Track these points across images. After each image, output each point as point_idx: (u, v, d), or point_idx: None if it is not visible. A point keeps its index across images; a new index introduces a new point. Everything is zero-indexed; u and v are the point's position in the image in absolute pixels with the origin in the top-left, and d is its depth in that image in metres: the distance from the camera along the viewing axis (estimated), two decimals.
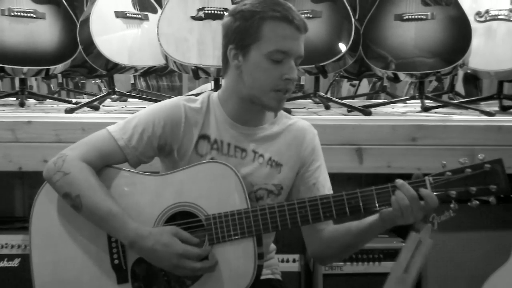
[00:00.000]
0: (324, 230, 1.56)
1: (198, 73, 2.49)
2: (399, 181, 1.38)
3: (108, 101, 3.15)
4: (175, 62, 2.50)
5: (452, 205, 1.37)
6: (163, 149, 1.54)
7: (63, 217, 1.51)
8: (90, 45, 2.60)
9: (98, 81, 4.12)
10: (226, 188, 1.45)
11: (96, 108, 2.63)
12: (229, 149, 1.54)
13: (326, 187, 1.58)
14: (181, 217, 1.47)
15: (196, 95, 1.66)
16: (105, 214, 1.43)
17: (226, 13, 1.55)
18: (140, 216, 1.45)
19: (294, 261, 2.36)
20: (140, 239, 1.40)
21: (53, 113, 2.54)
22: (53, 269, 1.50)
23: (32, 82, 4.03)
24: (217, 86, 2.54)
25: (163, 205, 1.47)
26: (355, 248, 1.59)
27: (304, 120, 1.65)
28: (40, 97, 3.15)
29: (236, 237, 1.42)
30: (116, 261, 1.47)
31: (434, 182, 1.36)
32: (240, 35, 1.46)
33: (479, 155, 1.37)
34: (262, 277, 1.60)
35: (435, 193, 1.35)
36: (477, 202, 1.35)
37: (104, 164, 1.51)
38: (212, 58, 2.45)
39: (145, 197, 1.49)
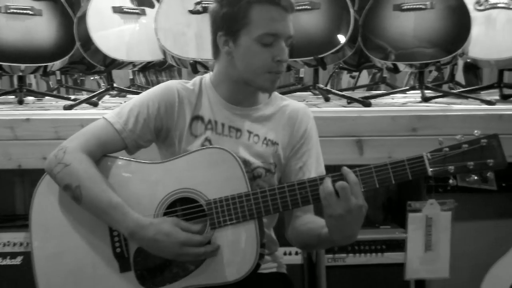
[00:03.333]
0: (300, 217, 1.57)
1: (196, 67, 2.48)
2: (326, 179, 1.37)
3: (107, 97, 3.14)
4: (173, 56, 2.49)
5: (450, 181, 1.38)
6: (159, 132, 1.56)
7: (63, 209, 1.51)
8: (87, 41, 2.59)
9: (97, 77, 4.11)
10: (225, 172, 1.45)
11: (95, 105, 2.63)
12: (223, 129, 1.56)
13: (313, 172, 1.57)
14: (182, 203, 1.47)
15: None
16: (105, 205, 1.43)
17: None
18: (141, 204, 1.46)
19: (296, 253, 2.36)
20: (140, 229, 1.41)
21: (52, 110, 2.53)
22: (55, 260, 1.50)
23: (31, 79, 4.03)
24: None
25: (164, 192, 1.47)
26: (316, 247, 1.69)
27: (299, 102, 1.66)
28: (39, 94, 3.15)
29: (238, 220, 1.42)
30: (118, 250, 1.48)
31: (432, 158, 1.37)
32: (229, 21, 1.48)
33: (475, 131, 1.38)
34: (267, 271, 1.62)
35: (431, 169, 1.36)
36: (475, 177, 1.37)
37: (104, 152, 1.52)
38: (210, 51, 2.43)
39: (145, 185, 1.49)
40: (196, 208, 1.46)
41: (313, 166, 1.58)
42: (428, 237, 1.44)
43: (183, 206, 1.47)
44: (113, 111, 1.56)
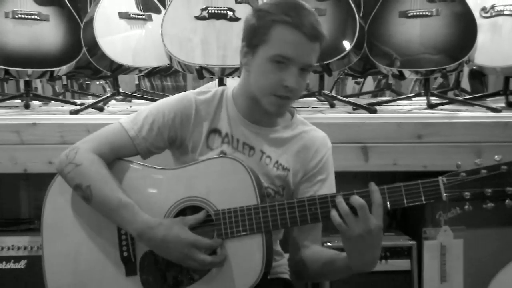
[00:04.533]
0: (308, 247, 1.54)
1: (202, 73, 2.48)
2: (338, 199, 1.34)
3: (112, 102, 3.15)
4: (179, 62, 2.50)
5: (466, 207, 1.33)
6: (173, 141, 1.56)
7: (74, 210, 1.52)
8: (94, 47, 2.60)
9: (102, 82, 4.13)
10: (236, 183, 1.44)
11: (101, 109, 2.64)
12: (238, 144, 1.54)
13: None
14: (191, 212, 1.47)
15: None
16: (115, 205, 1.43)
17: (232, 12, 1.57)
18: (150, 209, 1.46)
19: None
20: (149, 229, 1.41)
21: (58, 114, 2.54)
22: (64, 260, 1.51)
23: (37, 84, 4.04)
24: (221, 86, 2.53)
25: (173, 199, 1.47)
26: (329, 277, 1.65)
27: (320, 131, 1.62)
28: (45, 99, 3.16)
29: (245, 233, 1.41)
30: (125, 254, 1.48)
31: (447, 183, 1.33)
32: (252, 34, 1.46)
33: (495, 156, 1.33)
34: (272, 276, 1.60)
35: (446, 194, 1.32)
36: (492, 205, 1.32)
37: (116, 156, 1.53)
38: (216, 57, 2.45)
39: (156, 190, 1.50)
40: (205, 217, 1.45)
41: None
42: (443, 267, 1.41)
43: (191, 215, 1.46)
44: (129, 117, 1.55)
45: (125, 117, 1.56)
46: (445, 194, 1.32)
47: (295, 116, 1.61)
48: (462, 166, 1.34)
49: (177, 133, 1.54)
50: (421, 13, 2.57)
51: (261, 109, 1.50)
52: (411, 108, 2.81)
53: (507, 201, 1.31)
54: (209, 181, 1.46)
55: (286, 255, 1.70)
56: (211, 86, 3.12)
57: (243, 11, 2.46)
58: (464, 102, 2.80)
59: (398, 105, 3.00)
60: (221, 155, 1.51)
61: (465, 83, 3.64)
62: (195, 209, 1.46)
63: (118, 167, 1.52)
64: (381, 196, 1.33)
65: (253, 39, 1.46)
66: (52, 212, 1.53)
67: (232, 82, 2.63)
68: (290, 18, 1.41)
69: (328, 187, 1.57)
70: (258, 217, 1.41)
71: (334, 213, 1.34)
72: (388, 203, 1.34)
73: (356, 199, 1.31)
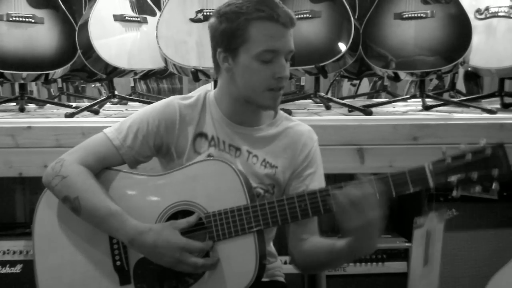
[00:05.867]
0: (307, 240, 1.54)
1: (197, 75, 2.48)
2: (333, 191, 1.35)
3: (108, 104, 3.14)
4: (174, 64, 2.50)
5: (454, 194, 1.32)
6: (160, 148, 1.55)
7: (65, 222, 1.51)
8: (89, 49, 2.59)
9: (98, 85, 4.12)
10: (225, 185, 1.44)
11: (96, 112, 2.63)
12: (224, 146, 1.54)
13: None
14: (182, 216, 1.46)
15: None
16: (104, 214, 1.43)
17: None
18: (141, 217, 1.45)
19: None
20: (140, 235, 1.40)
21: (53, 117, 2.53)
22: (57, 273, 1.50)
23: (32, 87, 4.03)
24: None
25: (163, 205, 1.47)
26: (328, 267, 1.63)
27: (305, 124, 1.62)
28: (40, 102, 3.15)
29: (237, 233, 1.41)
30: (118, 263, 1.47)
31: (433, 170, 1.32)
32: (227, 38, 1.45)
33: (481, 140, 1.32)
34: (266, 279, 1.60)
35: (432, 180, 1.32)
36: (478, 190, 1.30)
37: (102, 167, 1.52)
38: (211, 60, 2.44)
39: (145, 197, 1.49)
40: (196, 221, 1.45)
41: None
42: (426, 251, 1.43)
43: (182, 219, 1.45)
44: (114, 126, 1.55)
45: (110, 127, 1.55)
46: (431, 181, 1.32)
47: (278, 112, 1.61)
48: (447, 153, 1.34)
49: (162, 140, 1.53)
50: (416, 15, 2.57)
51: (248, 109, 1.51)
52: (407, 110, 2.82)
53: (494, 185, 1.30)
54: (198, 185, 1.46)
55: (282, 257, 1.70)
56: (206, 88, 3.12)
57: None
58: (460, 104, 2.80)
59: (393, 107, 3.00)
60: (207, 158, 1.51)
61: (460, 85, 3.65)
62: (186, 213, 1.46)
63: (105, 177, 1.51)
64: (370, 186, 1.33)
65: (231, 43, 1.44)
66: (43, 224, 1.53)
67: None
68: (264, 12, 1.41)
69: (318, 179, 1.57)
70: (248, 217, 1.41)
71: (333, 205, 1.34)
72: (376, 193, 1.32)
73: (349, 191, 1.31)
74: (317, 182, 1.56)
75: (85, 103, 3.21)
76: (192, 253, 1.39)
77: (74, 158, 1.49)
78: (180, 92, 4.82)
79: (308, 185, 1.55)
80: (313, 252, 1.52)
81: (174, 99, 1.56)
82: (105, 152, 1.51)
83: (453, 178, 1.31)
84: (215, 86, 2.54)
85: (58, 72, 2.68)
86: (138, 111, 1.57)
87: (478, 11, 2.65)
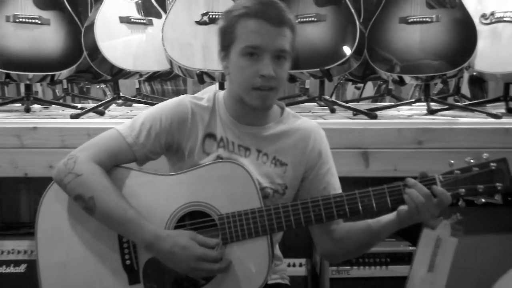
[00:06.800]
0: (336, 230, 1.55)
1: (203, 77, 2.49)
2: (410, 180, 1.40)
3: (113, 106, 3.15)
4: (179, 67, 2.50)
5: (460, 203, 1.41)
6: (170, 146, 1.54)
7: (71, 218, 1.50)
8: (94, 51, 2.60)
9: (103, 86, 4.13)
10: (238, 187, 1.44)
11: (101, 113, 2.64)
12: (233, 147, 1.54)
13: (336, 189, 1.58)
14: (194, 217, 1.46)
15: None
16: (120, 217, 1.42)
17: None
18: (152, 216, 1.45)
19: (300, 265, 2.35)
20: (158, 240, 1.40)
21: (58, 118, 2.54)
22: (61, 271, 1.48)
23: (38, 87, 4.05)
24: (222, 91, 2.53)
25: (175, 205, 1.47)
26: (370, 246, 1.58)
27: (311, 120, 1.63)
28: (46, 103, 3.16)
29: (250, 236, 1.42)
30: (128, 262, 1.47)
31: (444, 180, 1.40)
32: (222, 36, 1.48)
33: (483, 154, 1.41)
34: (271, 282, 1.61)
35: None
36: (483, 200, 1.40)
37: (114, 164, 1.50)
38: (217, 62, 2.40)
39: (157, 197, 1.48)
40: (208, 222, 1.45)
41: (337, 185, 1.58)
42: (433, 257, 1.44)
43: (194, 220, 1.46)
44: (126, 123, 1.54)
45: (121, 124, 1.54)
46: None
47: (285, 110, 1.61)
48: (455, 165, 1.42)
49: (174, 138, 1.53)
50: (421, 19, 2.57)
51: (249, 109, 1.50)
52: (411, 114, 2.81)
53: (496, 196, 1.40)
54: (211, 186, 1.46)
55: (286, 260, 1.70)
56: (210, 89, 3.13)
57: None
58: (464, 108, 2.80)
59: (398, 111, 3.00)
60: (222, 159, 1.51)
61: (465, 89, 3.65)
62: (197, 214, 1.46)
63: (117, 174, 1.50)
64: (381, 196, 1.43)
65: (224, 41, 1.47)
66: (47, 221, 1.50)
67: None
68: (250, 9, 1.43)
69: (333, 173, 1.59)
70: (262, 220, 1.42)
71: (407, 197, 1.39)
72: (389, 202, 1.42)
73: (437, 188, 1.39)
74: (335, 176, 1.59)
75: (90, 104, 3.22)
76: (208, 262, 1.39)
77: (87, 155, 1.47)
78: (184, 93, 4.81)
79: (328, 181, 1.57)
80: (351, 235, 1.54)
81: (186, 98, 1.56)
82: (118, 149, 1.49)
83: (462, 189, 1.39)
84: (219, 89, 2.57)
85: (64, 73, 2.69)
86: (149, 109, 1.56)
87: (484, 16, 2.65)
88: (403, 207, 1.42)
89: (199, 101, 1.56)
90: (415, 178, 1.42)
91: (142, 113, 1.55)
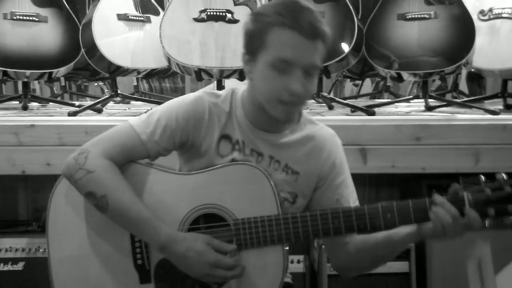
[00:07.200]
0: (350, 243, 1.50)
1: (200, 74, 2.48)
2: (438, 198, 1.34)
3: (111, 103, 3.15)
4: (177, 64, 2.50)
5: (487, 223, 1.33)
6: (184, 144, 1.48)
7: (83, 211, 1.46)
8: (92, 48, 2.60)
9: (101, 83, 4.12)
10: (257, 192, 1.41)
11: (99, 111, 2.63)
12: (248, 151, 1.49)
13: (351, 202, 1.52)
14: (208, 219, 1.43)
15: None
16: (135, 217, 1.38)
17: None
18: (165, 215, 1.42)
19: (298, 261, 2.35)
20: (173, 243, 1.37)
21: (56, 116, 2.53)
22: (72, 264, 1.46)
23: (35, 85, 4.03)
24: (219, 88, 2.53)
25: (190, 206, 1.43)
26: (385, 260, 1.53)
27: (328, 128, 1.57)
28: (43, 100, 3.15)
29: (266, 244, 1.38)
30: (139, 261, 1.44)
31: (473, 200, 1.33)
32: (250, 40, 1.41)
33: (499, 175, 1.34)
34: None
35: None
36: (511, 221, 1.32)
37: (126, 160, 1.45)
38: (214, 59, 2.45)
39: (171, 196, 1.44)
40: (223, 226, 1.42)
41: (351, 198, 1.52)
42: (485, 283, 1.41)
43: (209, 224, 1.43)
44: (140, 118, 1.47)
45: (135, 118, 1.48)
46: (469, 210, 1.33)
47: (302, 116, 1.55)
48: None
49: (189, 136, 1.47)
50: (419, 16, 2.57)
51: (268, 116, 1.44)
52: (409, 110, 2.82)
53: None
54: (228, 188, 1.42)
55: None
56: (209, 88, 3.12)
57: (242, 13, 2.47)
58: (462, 105, 2.80)
59: (396, 107, 3.00)
60: (241, 162, 1.46)
61: (463, 86, 3.65)
62: (212, 216, 1.43)
63: (131, 170, 1.45)
64: (405, 211, 1.36)
65: (251, 45, 1.40)
66: (59, 213, 1.46)
67: (231, 84, 2.64)
68: (285, 18, 1.34)
69: (350, 185, 1.54)
70: (279, 228, 1.38)
71: (433, 216, 1.33)
72: (412, 219, 1.36)
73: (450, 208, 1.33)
74: (350, 188, 1.53)
75: (88, 102, 3.21)
76: (222, 269, 1.37)
77: (99, 150, 1.41)
78: (182, 91, 4.81)
79: (341, 193, 1.51)
80: (366, 249, 1.48)
81: (204, 96, 1.49)
82: (132, 145, 1.44)
83: (491, 210, 1.32)
84: (217, 86, 2.57)
85: (62, 71, 2.68)
86: (166, 104, 1.50)
87: (482, 12, 2.66)
88: (427, 224, 1.35)
89: (217, 99, 1.49)
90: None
91: (158, 108, 1.49)
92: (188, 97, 1.50)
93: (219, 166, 1.45)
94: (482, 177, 1.34)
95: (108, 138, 1.46)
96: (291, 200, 1.50)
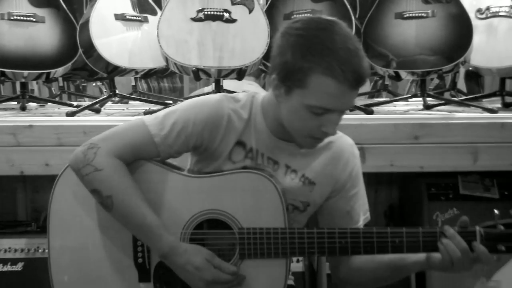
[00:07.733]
0: (354, 258, 1.49)
1: (198, 74, 2.48)
2: (449, 230, 1.34)
3: (109, 103, 3.14)
4: (175, 63, 2.50)
5: (496, 256, 1.34)
6: (198, 148, 1.46)
7: (86, 203, 1.45)
8: (90, 48, 2.59)
9: (99, 83, 4.12)
10: (264, 202, 1.39)
11: (97, 111, 2.63)
12: (262, 159, 1.47)
13: (361, 214, 1.52)
14: (213, 225, 1.42)
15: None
16: (139, 222, 1.38)
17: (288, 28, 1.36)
18: (170, 216, 1.41)
19: (298, 261, 2.35)
20: (173, 254, 1.37)
21: (54, 116, 2.53)
22: (72, 255, 1.46)
23: (33, 85, 4.02)
24: (218, 88, 2.53)
25: (195, 210, 1.42)
26: (388, 281, 1.52)
27: (347, 138, 1.54)
28: (41, 101, 3.15)
29: (269, 256, 1.38)
30: (140, 260, 1.44)
31: (485, 235, 1.33)
32: (286, 72, 1.33)
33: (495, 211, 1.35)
34: None
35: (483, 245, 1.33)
36: None
37: (135, 159, 1.43)
38: (212, 59, 2.45)
39: (177, 197, 1.43)
40: (227, 234, 1.42)
41: (361, 210, 1.52)
42: None
43: (213, 230, 1.43)
44: (156, 118, 1.43)
45: (151, 116, 1.45)
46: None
47: None
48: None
49: (203, 142, 1.44)
50: (416, 15, 2.57)
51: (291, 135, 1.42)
52: (408, 109, 2.81)
53: None
54: (236, 196, 1.41)
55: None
56: (208, 90, 3.12)
57: (239, 13, 2.46)
58: (461, 103, 2.80)
59: (394, 106, 3.00)
60: (251, 169, 1.44)
61: (461, 84, 3.65)
62: (217, 222, 1.42)
63: (139, 167, 1.43)
64: (414, 239, 1.36)
65: (288, 79, 1.32)
66: (61, 202, 1.45)
67: (229, 84, 2.64)
68: (332, 68, 1.27)
69: (362, 198, 1.53)
70: (284, 242, 1.37)
71: (442, 249, 1.34)
72: (421, 248, 1.36)
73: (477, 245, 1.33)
74: (362, 200, 1.53)
75: (86, 102, 3.21)
76: (219, 284, 1.37)
77: (110, 147, 1.39)
78: (181, 91, 4.81)
79: (353, 205, 1.50)
80: (370, 267, 1.47)
81: (223, 101, 1.44)
82: (143, 146, 1.41)
83: (503, 246, 1.32)
84: (216, 86, 2.57)
85: (59, 71, 2.68)
86: (183, 105, 1.46)
87: (479, 10, 2.65)
88: (436, 254, 1.36)
89: (236, 105, 1.45)
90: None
91: (176, 108, 1.45)
92: (208, 101, 1.45)
93: (230, 172, 1.43)
94: (496, 211, 1.34)
95: (120, 135, 1.43)
96: (302, 209, 1.49)
